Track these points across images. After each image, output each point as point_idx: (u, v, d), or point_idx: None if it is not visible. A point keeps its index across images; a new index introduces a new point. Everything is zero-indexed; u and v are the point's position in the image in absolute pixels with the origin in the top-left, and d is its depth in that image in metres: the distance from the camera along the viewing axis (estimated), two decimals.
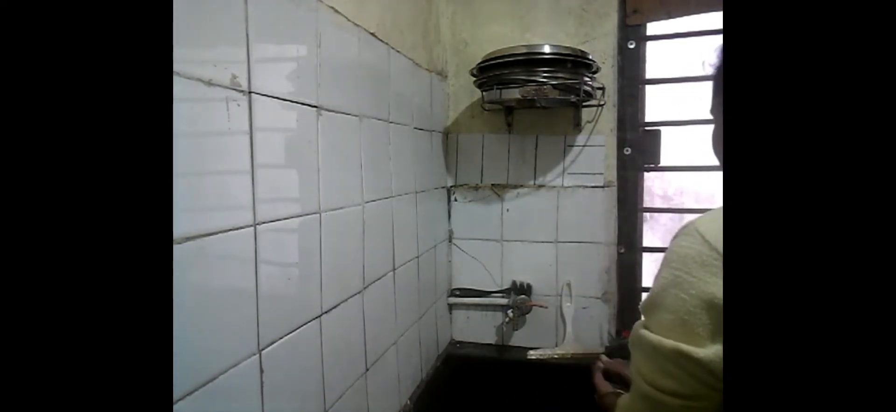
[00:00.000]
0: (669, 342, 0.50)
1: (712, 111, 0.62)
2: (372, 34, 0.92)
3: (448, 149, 1.41)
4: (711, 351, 0.48)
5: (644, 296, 1.37)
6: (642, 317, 0.57)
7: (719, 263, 0.48)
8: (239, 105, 0.56)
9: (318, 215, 0.73)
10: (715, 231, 0.49)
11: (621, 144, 1.32)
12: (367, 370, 0.91)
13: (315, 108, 0.73)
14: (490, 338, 1.44)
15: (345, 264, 0.82)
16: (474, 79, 1.23)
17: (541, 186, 1.37)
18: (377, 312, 0.95)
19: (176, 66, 0.47)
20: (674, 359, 0.50)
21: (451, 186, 1.43)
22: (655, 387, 0.52)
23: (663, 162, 1.31)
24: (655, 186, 1.42)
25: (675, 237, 0.55)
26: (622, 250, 1.34)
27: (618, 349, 1.25)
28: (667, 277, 0.52)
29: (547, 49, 1.12)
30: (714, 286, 0.48)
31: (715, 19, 1.21)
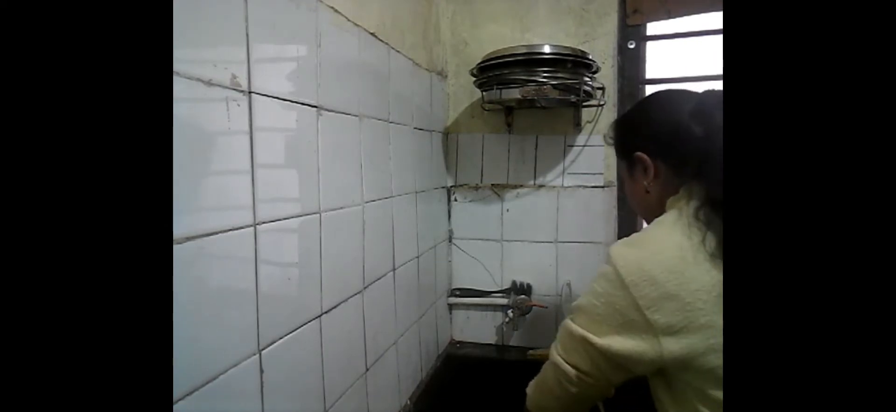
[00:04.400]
0: (580, 330, 0.67)
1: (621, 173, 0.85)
2: (372, 34, 0.92)
3: (448, 149, 1.41)
4: (605, 341, 0.64)
5: None
6: (571, 313, 0.72)
7: (619, 280, 0.62)
8: (239, 105, 0.56)
9: (318, 215, 0.73)
10: (622, 255, 0.64)
11: None
12: (367, 370, 0.91)
13: (315, 108, 0.73)
14: (490, 338, 1.44)
15: (345, 264, 0.82)
16: (474, 79, 1.23)
17: (541, 186, 1.37)
18: (377, 312, 0.95)
19: (176, 66, 0.47)
20: (580, 341, 0.67)
21: (451, 186, 1.43)
22: (564, 359, 0.70)
23: None
24: None
25: (604, 263, 0.69)
26: None
27: None
28: (589, 289, 0.68)
29: (547, 49, 1.12)
30: (614, 296, 0.63)
31: (715, 19, 1.21)
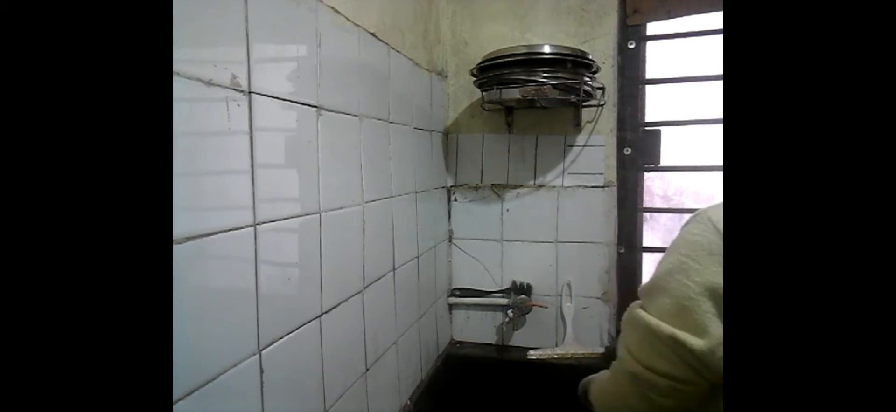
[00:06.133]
0: (667, 327, 0.51)
1: None
2: (372, 34, 0.92)
3: (448, 149, 1.41)
4: (707, 342, 0.49)
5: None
6: (640, 300, 0.57)
7: None
8: (239, 105, 0.56)
9: (318, 215, 0.73)
10: None
11: (621, 144, 1.32)
12: (367, 370, 0.90)
13: (315, 108, 0.73)
14: (490, 338, 1.44)
15: (345, 264, 0.82)
16: (474, 79, 1.23)
17: (541, 186, 1.37)
18: (377, 312, 0.95)
19: (176, 66, 0.47)
20: (670, 345, 0.50)
21: (451, 186, 1.43)
22: (647, 366, 0.53)
23: (663, 162, 1.31)
24: (655, 186, 1.42)
25: (686, 224, 0.55)
26: (622, 250, 1.34)
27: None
28: (672, 262, 0.53)
29: (547, 49, 1.12)
30: (720, 276, 0.48)
31: (715, 19, 1.21)
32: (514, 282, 1.39)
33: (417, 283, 1.18)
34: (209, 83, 0.52)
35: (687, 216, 0.56)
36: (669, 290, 0.52)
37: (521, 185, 1.38)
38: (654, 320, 0.52)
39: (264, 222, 0.61)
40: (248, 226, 0.58)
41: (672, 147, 1.30)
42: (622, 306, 1.36)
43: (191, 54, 0.49)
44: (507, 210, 1.39)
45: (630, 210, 1.34)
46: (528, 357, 1.34)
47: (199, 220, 0.50)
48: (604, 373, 0.63)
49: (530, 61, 1.11)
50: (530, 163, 1.37)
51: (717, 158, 1.19)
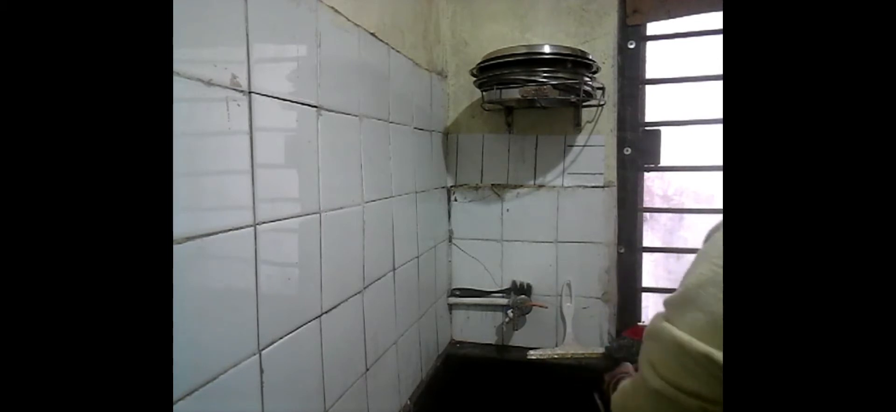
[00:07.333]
0: (701, 345, 0.47)
1: None
2: (372, 34, 0.92)
3: (448, 149, 1.41)
4: None
5: (646, 295, 1.37)
6: (665, 310, 0.53)
7: None
8: (239, 105, 0.56)
9: (318, 215, 0.73)
10: None
11: (621, 144, 1.32)
12: (367, 370, 0.91)
13: (315, 108, 0.73)
14: (490, 338, 1.44)
15: (345, 264, 0.82)
16: (474, 79, 1.23)
17: (541, 186, 1.37)
18: (377, 312, 0.95)
19: (176, 66, 0.47)
20: (703, 364, 0.47)
21: (451, 186, 1.43)
22: (675, 385, 0.49)
23: (663, 162, 1.31)
24: (655, 186, 1.42)
25: (715, 230, 0.52)
26: (622, 250, 1.34)
27: (618, 349, 1.25)
28: (704, 274, 0.49)
29: (547, 49, 1.12)
30: None
31: (715, 19, 1.21)
32: (514, 282, 1.39)
33: (417, 283, 1.18)
34: (209, 83, 0.52)
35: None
36: (702, 305, 0.48)
37: (521, 185, 1.38)
38: (685, 337, 0.48)
39: (264, 222, 0.61)
40: (248, 227, 0.58)
41: (672, 147, 1.30)
42: (622, 306, 1.36)
43: (191, 54, 0.49)
44: (507, 210, 1.39)
45: (630, 210, 1.34)
46: (528, 357, 1.34)
47: (199, 220, 0.50)
48: (626, 385, 0.60)
49: (530, 61, 1.11)
50: (530, 163, 1.37)
51: (717, 158, 1.19)
